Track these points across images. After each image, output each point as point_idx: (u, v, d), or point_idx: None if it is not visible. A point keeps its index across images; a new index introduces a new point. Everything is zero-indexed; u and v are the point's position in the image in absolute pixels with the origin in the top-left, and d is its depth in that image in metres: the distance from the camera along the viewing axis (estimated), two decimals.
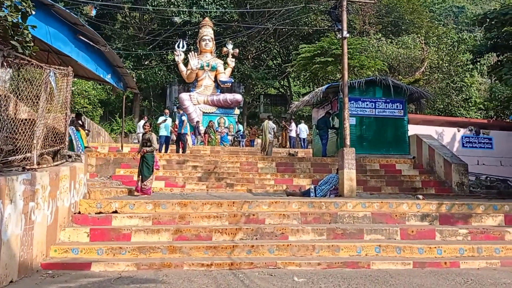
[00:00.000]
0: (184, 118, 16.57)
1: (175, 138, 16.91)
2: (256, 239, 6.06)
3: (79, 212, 6.56)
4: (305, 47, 25.18)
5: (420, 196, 8.75)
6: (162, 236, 5.93)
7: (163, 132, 15.82)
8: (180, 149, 15.75)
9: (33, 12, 6.53)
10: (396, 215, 6.90)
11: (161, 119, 16.30)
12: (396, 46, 29.19)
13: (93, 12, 38.77)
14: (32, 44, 6.47)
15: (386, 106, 15.23)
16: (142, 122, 16.82)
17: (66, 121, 7.16)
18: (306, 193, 10.21)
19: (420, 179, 13.12)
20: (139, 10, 34.82)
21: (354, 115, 15.07)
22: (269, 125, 16.09)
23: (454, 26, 48.73)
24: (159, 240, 5.89)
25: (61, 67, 7.14)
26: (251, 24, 35.82)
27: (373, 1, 13.44)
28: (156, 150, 9.15)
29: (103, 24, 38.23)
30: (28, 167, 5.17)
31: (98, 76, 13.02)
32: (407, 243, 6.11)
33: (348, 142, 10.35)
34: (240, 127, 26.63)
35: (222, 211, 6.82)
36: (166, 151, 15.82)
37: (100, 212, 6.58)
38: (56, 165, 6.22)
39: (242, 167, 13.49)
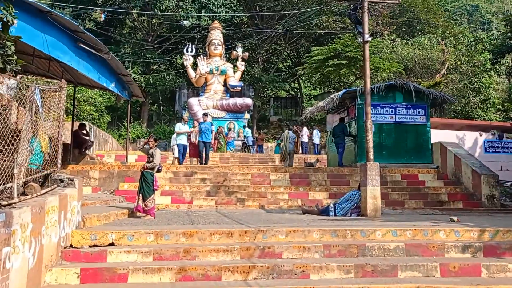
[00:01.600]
0: (213, 127, 15.77)
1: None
2: (273, 278, 5.22)
3: (71, 246, 5.77)
4: (318, 50, 24.31)
5: (455, 218, 7.83)
6: (164, 276, 5.11)
7: (182, 141, 14.89)
8: (203, 160, 14.53)
9: (15, 22, 5.75)
10: (433, 246, 5.99)
11: (181, 127, 15.22)
12: (412, 47, 28.13)
13: (103, 17, 38.34)
14: (15, 57, 5.70)
15: (407, 112, 14.28)
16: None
17: (58, 141, 6.39)
18: (324, 211, 9.34)
19: (446, 192, 12.15)
20: (147, 14, 34.21)
21: (373, 122, 14.03)
22: (289, 135, 15.48)
23: (469, 25, 47.51)
24: (160, 281, 5.07)
25: (54, 81, 6.35)
26: (261, 27, 35.03)
27: (396, 1, 12.49)
28: (157, 167, 8.33)
29: (111, 29, 37.80)
30: (4, 202, 4.38)
31: (101, 85, 12.31)
32: (450, 282, 5.22)
33: (371, 155, 9.46)
34: (249, 132, 25.73)
35: (233, 242, 5.98)
36: (182, 162, 15.02)
37: (95, 245, 5.78)
38: (43, 193, 5.44)
39: (254, 179, 12.66)
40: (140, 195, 8.19)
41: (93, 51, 10.24)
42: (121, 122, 32.72)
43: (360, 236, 6.33)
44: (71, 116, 15.77)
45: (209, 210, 10.42)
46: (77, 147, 13.73)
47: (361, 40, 9.95)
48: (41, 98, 5.90)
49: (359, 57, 22.45)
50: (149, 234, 5.96)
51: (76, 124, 15.05)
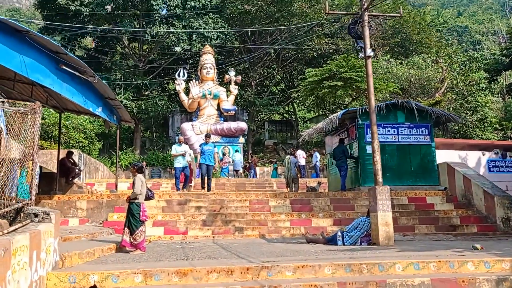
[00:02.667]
0: (216, 149, 15.00)
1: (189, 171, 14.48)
2: None
3: None
4: (312, 71, 23.90)
5: (478, 246, 7.09)
6: None
7: (179, 163, 13.56)
8: (205, 185, 13.42)
9: None
10: (463, 281, 5.24)
11: (177, 148, 13.87)
12: (407, 67, 27.89)
13: (93, 44, 37.95)
14: None
15: (410, 131, 13.69)
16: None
17: (32, 170, 5.63)
18: (331, 240, 8.56)
19: (458, 215, 11.45)
20: (138, 40, 33.90)
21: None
22: (291, 160, 15.14)
23: (460, 45, 47.74)
24: None
25: (28, 103, 5.65)
26: (253, 50, 34.79)
27: (398, 15, 12.06)
28: (143, 195, 7.55)
29: (102, 56, 37.42)
30: None
31: (89, 111, 11.61)
32: None
33: (380, 178, 8.76)
34: (237, 156, 24.92)
35: (234, 282, 5.19)
36: (184, 187, 13.99)
37: None
38: (12, 231, 4.66)
39: (252, 206, 11.88)
40: (127, 228, 7.39)
41: (77, 73, 9.57)
42: (113, 149, 31.88)
43: (378, 271, 5.56)
44: (59, 144, 14.99)
45: (205, 241, 9.60)
46: (64, 176, 12.92)
47: (363, 56, 9.39)
48: (6, 121, 5.18)
49: (354, 77, 22.07)
50: (136, 275, 5.15)
51: (63, 152, 14.28)
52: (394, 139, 13.58)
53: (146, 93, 33.53)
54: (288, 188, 15.00)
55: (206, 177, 13.30)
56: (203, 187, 13.44)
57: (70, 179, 12.95)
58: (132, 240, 7.33)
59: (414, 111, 13.42)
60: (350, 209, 11.86)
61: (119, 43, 35.72)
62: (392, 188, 12.68)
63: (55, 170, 13.17)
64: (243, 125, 27.28)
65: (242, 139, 27.76)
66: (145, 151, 34.23)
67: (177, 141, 14.95)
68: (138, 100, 31.08)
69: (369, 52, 9.14)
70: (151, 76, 33.33)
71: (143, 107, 30.75)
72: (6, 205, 5.11)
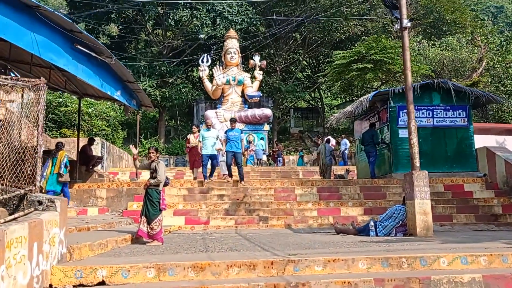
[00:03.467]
0: (243, 135, 13.27)
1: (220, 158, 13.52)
2: None
3: (50, 286, 4.51)
4: (340, 53, 22.95)
5: None
6: None
7: (206, 150, 11.98)
8: (231, 174, 12.36)
9: None
10: None
11: (205, 134, 12.18)
12: (440, 48, 26.55)
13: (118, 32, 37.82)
14: None
15: (446, 114, 12.77)
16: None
17: (36, 152, 5.18)
18: (363, 231, 7.90)
19: (499, 203, 10.55)
20: (162, 26, 33.52)
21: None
22: (326, 147, 14.55)
23: (495, 26, 45.45)
24: None
25: (31, 79, 5.17)
26: (279, 35, 33.92)
27: None
28: (163, 182, 7.02)
29: (126, 43, 37.32)
30: None
31: (108, 95, 11.21)
32: None
33: (417, 162, 8.00)
34: (260, 144, 24.30)
35: (257, 278, 4.63)
36: (211, 175, 12.35)
37: (81, 285, 4.52)
38: (10, 220, 4.21)
39: (277, 194, 11.29)
40: (144, 217, 6.91)
41: (93, 54, 9.14)
42: (138, 138, 31.87)
43: (420, 265, 4.89)
44: (82, 131, 14.77)
45: (228, 231, 9.10)
46: (84, 164, 12.63)
47: (398, 27, 8.57)
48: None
49: (385, 59, 21.05)
50: (149, 269, 4.65)
51: (85, 140, 14.02)
52: (429, 123, 12.69)
53: (170, 80, 33.23)
54: (322, 176, 14.35)
55: (234, 166, 12.15)
56: (230, 175, 12.26)
57: (91, 167, 12.63)
58: (149, 230, 6.86)
59: (450, 92, 12.47)
60: (382, 197, 11.13)
61: (143, 30, 35.42)
62: None
63: (75, 158, 12.89)
64: (268, 111, 26.58)
65: (267, 127, 27.10)
66: (170, 140, 34.07)
67: (202, 126, 14.46)
68: (162, 87, 30.80)
69: (405, 22, 8.31)
70: (174, 63, 32.94)
71: (167, 95, 30.46)
72: (6, 192, 4.68)
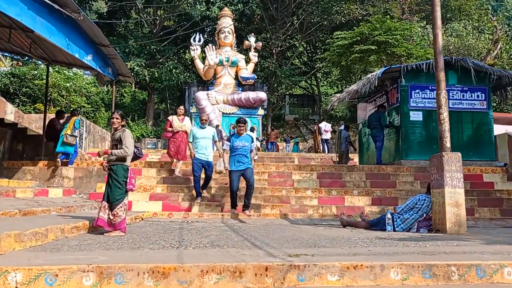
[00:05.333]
0: (255, 144, 8.82)
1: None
2: None
3: None
4: (342, 34, 21.39)
5: None
6: None
7: (202, 154, 8.55)
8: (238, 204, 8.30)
9: None
10: None
11: (199, 132, 8.71)
12: (445, 34, 25.08)
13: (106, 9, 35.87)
14: None
15: (463, 96, 11.39)
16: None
17: None
18: (376, 224, 6.50)
19: None
20: (153, 3, 31.68)
21: (420, 108, 11.31)
22: (342, 134, 13.67)
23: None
24: None
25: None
26: (276, 18, 32.31)
27: None
28: (131, 156, 5.49)
29: (116, 22, 35.49)
30: None
31: (80, 62, 9.64)
32: None
33: (448, 143, 6.58)
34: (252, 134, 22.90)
35: None
36: (204, 187, 8.76)
37: None
38: None
39: (272, 179, 9.86)
40: (105, 202, 5.43)
41: (55, 6, 7.57)
42: (125, 120, 30.21)
43: (477, 277, 3.47)
44: (59, 107, 13.20)
45: (213, 220, 7.65)
46: (52, 140, 11.06)
47: None
48: None
49: (390, 41, 19.57)
50: (87, 274, 3.18)
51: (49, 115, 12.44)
52: None
53: (160, 60, 31.52)
54: (339, 163, 13.28)
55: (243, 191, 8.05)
56: (234, 206, 7.95)
57: None
58: (111, 217, 5.37)
59: (469, 71, 11.08)
60: (391, 186, 9.74)
61: (134, 7, 33.55)
62: None
63: (41, 132, 11.34)
64: (263, 95, 25.03)
65: (261, 111, 25.58)
66: (159, 123, 32.48)
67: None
68: (151, 67, 29.11)
69: None
70: (165, 42, 31.19)
71: (156, 75, 28.77)
72: None
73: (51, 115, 14.85)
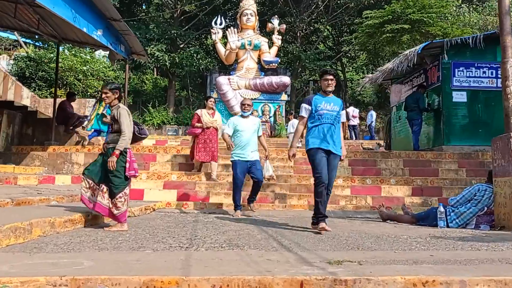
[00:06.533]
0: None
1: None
2: None
3: None
4: (371, 13, 20.07)
5: None
6: None
7: (241, 155, 6.50)
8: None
9: None
10: None
11: (241, 124, 6.63)
12: (483, 13, 23.46)
13: None
14: None
15: None
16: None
17: None
18: (424, 218, 5.52)
19: None
20: None
21: (464, 88, 10.14)
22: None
23: None
24: None
25: None
26: (300, 1, 31.03)
27: None
28: (129, 138, 4.57)
29: (136, 7, 34.84)
30: None
31: (92, 39, 8.87)
32: None
33: None
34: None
35: None
36: (252, 200, 6.94)
37: None
38: None
39: (298, 167, 8.92)
40: (104, 185, 4.60)
41: None
42: (146, 106, 29.67)
43: None
44: (76, 91, 12.56)
45: (232, 211, 6.78)
46: (63, 123, 10.41)
47: None
48: None
49: (425, 20, 18.20)
50: None
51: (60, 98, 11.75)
52: (492, 84, 10.13)
53: (181, 46, 30.72)
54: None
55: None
56: (319, 213, 4.88)
57: (71, 127, 10.39)
58: (111, 207, 4.55)
59: None
60: (433, 174, 8.69)
61: None
62: (487, 149, 9.45)
63: (51, 115, 10.69)
64: (286, 79, 23.92)
65: (284, 96, 24.50)
66: (180, 110, 31.81)
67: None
68: (172, 52, 28.34)
69: None
70: (186, 27, 30.34)
71: (177, 60, 27.98)
72: None
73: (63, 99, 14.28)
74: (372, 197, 7.60)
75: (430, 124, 10.67)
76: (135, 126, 4.76)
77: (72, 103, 11.09)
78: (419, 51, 9.93)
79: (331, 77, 5.00)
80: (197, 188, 7.75)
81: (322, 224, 4.61)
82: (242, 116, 6.74)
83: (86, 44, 10.51)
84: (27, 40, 26.54)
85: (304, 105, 5.02)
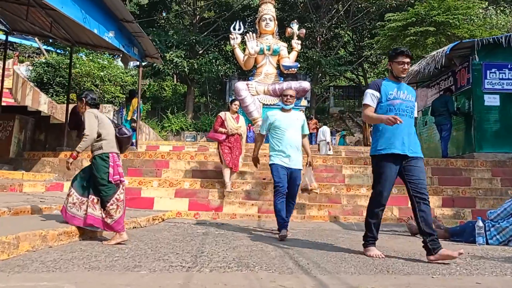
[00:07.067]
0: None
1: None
2: None
3: None
4: (394, 16, 19.42)
5: None
6: None
7: (286, 158, 5.07)
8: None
9: None
10: None
11: (283, 117, 5.21)
12: (511, 16, 22.55)
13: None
14: None
15: None
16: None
17: None
18: (459, 234, 4.96)
19: None
20: None
21: (497, 91, 9.47)
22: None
23: None
24: None
25: None
26: (319, 3, 30.57)
27: None
28: (89, 139, 4.26)
29: (156, 14, 34.96)
30: None
31: (104, 41, 8.58)
32: None
33: None
34: None
35: None
36: (288, 216, 5.26)
37: None
38: None
39: (318, 174, 8.38)
40: (93, 196, 4.24)
41: None
42: (165, 112, 29.58)
43: None
44: (69, 88, 12.37)
45: (247, 223, 6.31)
46: (76, 128, 10.11)
47: None
48: None
49: (450, 21, 17.49)
50: None
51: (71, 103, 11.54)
52: None
53: (200, 52, 30.58)
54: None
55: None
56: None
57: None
58: (104, 216, 4.16)
59: None
60: (464, 183, 8.05)
61: None
62: None
63: (63, 120, 10.44)
64: (306, 84, 23.27)
65: (304, 102, 23.86)
66: (198, 116, 31.64)
67: (281, 101, 6.71)
68: (191, 58, 28.20)
69: None
70: (205, 33, 30.22)
71: (196, 67, 27.81)
72: None
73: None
74: (399, 208, 7.02)
75: (460, 129, 10.01)
76: (116, 128, 4.44)
77: None
78: (448, 52, 9.32)
79: (408, 60, 3.88)
80: (210, 196, 7.31)
81: (372, 250, 3.87)
82: (282, 109, 5.21)
83: (99, 48, 10.25)
84: (49, 48, 26.77)
85: (370, 91, 3.86)
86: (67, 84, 17.31)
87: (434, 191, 7.62)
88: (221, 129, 7.31)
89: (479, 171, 8.47)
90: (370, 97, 3.86)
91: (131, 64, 18.42)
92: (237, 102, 7.77)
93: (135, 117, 10.42)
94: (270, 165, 5.16)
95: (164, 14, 35.99)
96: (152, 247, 3.98)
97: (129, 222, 5.19)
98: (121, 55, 9.37)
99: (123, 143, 4.44)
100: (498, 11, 23.67)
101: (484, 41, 9.28)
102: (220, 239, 4.61)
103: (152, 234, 4.87)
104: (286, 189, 4.97)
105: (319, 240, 4.79)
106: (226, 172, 7.30)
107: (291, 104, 5.27)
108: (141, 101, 11.16)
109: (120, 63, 20.42)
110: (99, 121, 4.30)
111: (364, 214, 6.64)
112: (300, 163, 5.14)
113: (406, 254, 3.90)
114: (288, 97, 5.27)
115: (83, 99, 4.43)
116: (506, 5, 24.62)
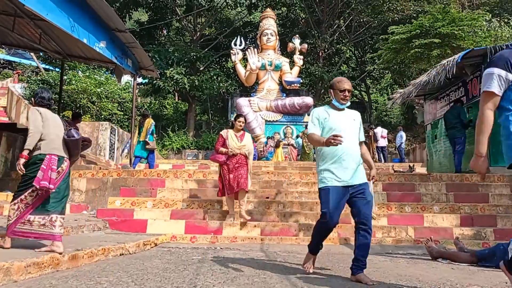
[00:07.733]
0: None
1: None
2: None
3: None
4: (398, 28, 19.04)
5: None
6: None
7: (344, 173, 3.74)
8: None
9: None
10: None
11: (336, 115, 3.83)
12: None
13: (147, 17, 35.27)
14: None
15: None
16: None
17: None
18: (488, 258, 4.38)
19: None
20: (193, 9, 30.59)
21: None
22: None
23: None
24: None
25: None
26: (321, 19, 30.35)
27: None
28: (42, 143, 4.03)
29: (157, 32, 34.83)
30: None
31: (97, 54, 8.16)
32: None
33: None
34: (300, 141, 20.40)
35: None
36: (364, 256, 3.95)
37: None
38: None
39: None
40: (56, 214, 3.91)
41: None
42: (165, 131, 29.09)
43: None
44: (90, 115, 11.90)
45: (248, 247, 5.73)
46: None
47: None
48: None
49: (455, 33, 17.09)
50: None
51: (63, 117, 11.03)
52: None
53: (201, 69, 30.27)
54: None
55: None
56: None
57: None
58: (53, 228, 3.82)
59: None
60: (482, 200, 7.47)
61: (174, 15, 32.68)
62: None
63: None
64: (308, 100, 22.99)
65: (307, 118, 23.52)
66: (200, 134, 31.13)
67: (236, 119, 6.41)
68: (191, 75, 27.85)
69: None
70: (206, 49, 29.96)
71: (197, 83, 27.43)
72: None
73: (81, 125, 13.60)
74: (414, 227, 6.43)
75: (473, 143, 9.42)
76: (65, 130, 4.14)
77: (80, 125, 10.35)
78: (459, 60, 8.82)
79: (346, 93, 3.61)
80: (208, 218, 6.74)
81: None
82: (332, 106, 3.86)
83: (92, 61, 9.81)
84: (48, 66, 26.50)
85: (496, 70, 2.58)
86: (62, 101, 16.93)
87: (450, 208, 7.05)
88: (222, 149, 6.54)
89: (496, 186, 7.90)
90: (496, 81, 2.58)
91: (124, 78, 18.05)
92: (241, 119, 6.70)
93: (146, 138, 10.44)
94: (321, 188, 3.77)
95: (164, 32, 35.90)
96: (136, 280, 3.41)
97: (116, 249, 4.62)
98: (113, 68, 8.91)
99: (70, 146, 4.19)
100: (502, 23, 23.35)
101: (498, 48, 8.77)
102: (217, 268, 4.03)
103: (141, 262, 4.29)
104: (338, 221, 3.90)
105: (330, 266, 4.21)
106: (227, 201, 6.66)
107: (347, 103, 3.83)
108: (153, 122, 11.00)
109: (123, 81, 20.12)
110: (43, 118, 4.08)
111: (377, 235, 6.06)
112: (364, 176, 3.80)
113: (433, 284, 3.31)
114: (346, 92, 3.77)
115: (33, 98, 4.35)
116: (510, 17, 24.30)
